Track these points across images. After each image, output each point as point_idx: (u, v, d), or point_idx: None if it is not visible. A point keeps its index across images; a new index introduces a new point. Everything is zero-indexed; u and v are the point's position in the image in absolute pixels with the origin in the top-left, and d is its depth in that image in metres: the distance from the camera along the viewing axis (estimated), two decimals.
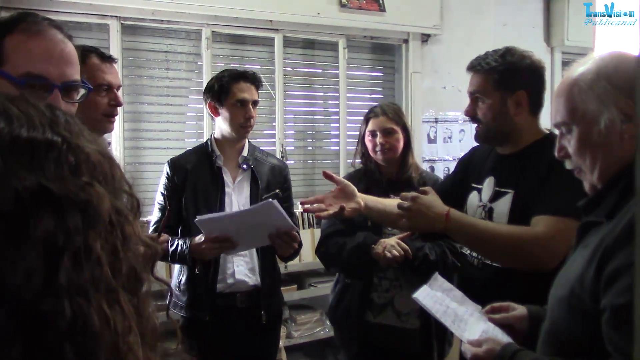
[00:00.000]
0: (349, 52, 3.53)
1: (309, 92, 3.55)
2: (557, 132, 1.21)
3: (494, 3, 3.87)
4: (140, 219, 0.50)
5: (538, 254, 1.51)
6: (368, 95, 3.73)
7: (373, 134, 2.27)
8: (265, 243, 2.05)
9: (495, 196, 1.73)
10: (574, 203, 1.20)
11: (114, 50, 2.78)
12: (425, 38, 3.69)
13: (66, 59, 1.06)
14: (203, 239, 2.01)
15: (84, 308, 0.40)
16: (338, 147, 3.57)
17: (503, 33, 3.74)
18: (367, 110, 2.40)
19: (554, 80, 3.69)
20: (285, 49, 3.34)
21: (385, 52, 3.75)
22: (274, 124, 3.34)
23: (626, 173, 1.06)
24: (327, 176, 1.82)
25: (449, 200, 1.69)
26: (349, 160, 3.38)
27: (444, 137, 3.81)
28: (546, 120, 1.72)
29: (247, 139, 2.28)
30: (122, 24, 2.91)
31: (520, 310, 1.38)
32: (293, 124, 3.50)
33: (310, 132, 3.57)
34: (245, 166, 2.24)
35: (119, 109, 1.76)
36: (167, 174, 2.21)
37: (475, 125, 1.77)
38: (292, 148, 3.48)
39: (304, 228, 3.13)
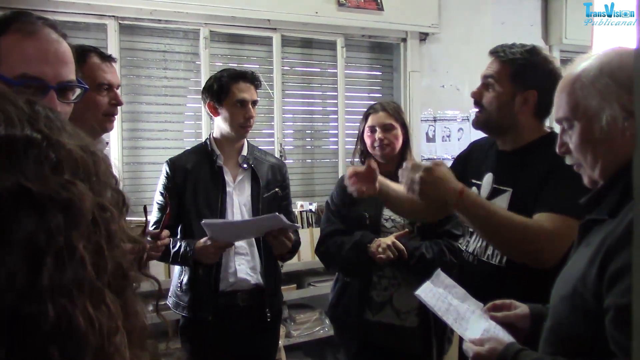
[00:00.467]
0: (347, 51, 3.52)
1: (307, 92, 3.54)
2: (558, 130, 1.21)
3: (492, 1, 3.86)
4: (127, 215, 0.49)
5: (542, 247, 1.50)
6: (366, 94, 3.73)
7: (372, 130, 2.28)
8: (257, 235, 2.16)
9: (494, 193, 1.73)
10: (575, 202, 1.19)
11: (112, 50, 2.76)
12: (423, 37, 3.68)
13: (61, 59, 1.05)
14: (209, 242, 2.04)
15: (68, 309, 0.39)
16: (337, 146, 3.57)
17: (501, 31, 3.72)
18: (365, 109, 2.40)
19: None
20: (283, 48, 3.34)
21: (383, 51, 3.75)
22: (272, 123, 3.33)
23: (628, 170, 1.05)
24: (371, 168, 1.82)
25: None
26: (347, 159, 3.38)
27: (443, 136, 3.81)
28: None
29: (245, 139, 2.28)
30: (119, 23, 2.90)
31: (522, 308, 1.38)
32: (291, 123, 3.50)
33: (309, 132, 3.57)
34: (245, 165, 2.24)
35: (118, 108, 1.76)
36: (167, 173, 2.20)
37: (477, 110, 1.77)
38: (291, 147, 3.48)
39: (302, 227, 3.12)
